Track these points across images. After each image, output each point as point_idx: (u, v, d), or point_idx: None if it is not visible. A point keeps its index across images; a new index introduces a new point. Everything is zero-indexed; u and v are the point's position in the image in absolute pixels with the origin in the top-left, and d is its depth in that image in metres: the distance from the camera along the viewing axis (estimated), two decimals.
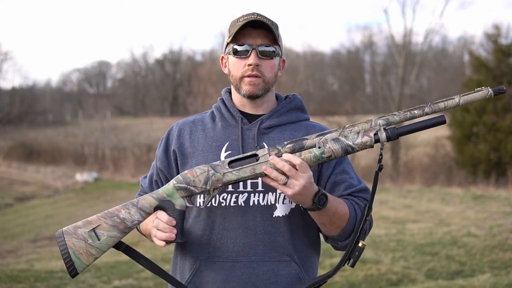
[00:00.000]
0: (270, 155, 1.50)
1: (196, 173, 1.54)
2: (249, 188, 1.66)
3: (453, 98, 1.49)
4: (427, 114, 1.51)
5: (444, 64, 35.87)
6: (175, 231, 1.54)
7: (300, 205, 1.57)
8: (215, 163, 1.56)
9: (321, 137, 1.51)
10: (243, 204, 1.65)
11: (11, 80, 62.79)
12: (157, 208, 1.58)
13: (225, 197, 1.66)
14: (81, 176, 23.47)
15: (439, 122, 1.51)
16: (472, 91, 1.49)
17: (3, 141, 32.33)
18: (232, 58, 1.70)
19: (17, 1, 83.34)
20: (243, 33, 1.67)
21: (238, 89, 1.71)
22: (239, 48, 1.67)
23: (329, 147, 1.49)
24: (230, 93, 1.82)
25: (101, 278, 5.88)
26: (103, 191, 19.81)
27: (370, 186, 1.76)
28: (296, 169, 1.46)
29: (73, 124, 39.38)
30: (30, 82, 49.81)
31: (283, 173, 1.47)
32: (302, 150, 1.50)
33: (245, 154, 1.54)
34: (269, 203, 1.65)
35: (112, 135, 30.87)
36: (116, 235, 1.57)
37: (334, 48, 51.19)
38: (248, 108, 1.75)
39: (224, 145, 1.71)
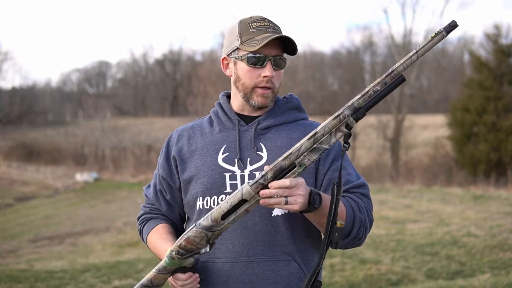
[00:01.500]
0: (256, 194, 1.49)
1: (195, 241, 1.54)
2: None
3: (410, 57, 1.45)
4: (386, 83, 1.47)
5: (444, 64, 35.88)
6: (197, 279, 1.61)
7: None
8: (207, 223, 1.52)
9: (297, 152, 1.49)
10: None
11: (11, 80, 62.91)
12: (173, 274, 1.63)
13: (223, 199, 1.66)
14: (81, 176, 23.48)
15: (399, 82, 1.47)
16: (426, 41, 1.45)
17: (3, 141, 32.33)
18: (243, 65, 1.67)
19: (17, 1, 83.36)
20: (258, 41, 1.65)
21: (247, 98, 1.70)
22: (254, 58, 1.65)
23: (308, 160, 1.49)
24: (228, 97, 1.82)
25: (101, 278, 5.88)
26: (103, 191, 19.82)
27: (369, 186, 1.75)
28: (289, 188, 1.46)
29: (73, 124, 39.39)
30: (30, 82, 49.85)
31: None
32: (284, 172, 1.49)
33: (233, 203, 1.51)
34: None
35: (112, 135, 30.87)
36: None
37: (334, 48, 51.22)
38: (247, 111, 1.75)
39: (222, 147, 1.71)
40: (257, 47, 1.62)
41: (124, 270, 6.25)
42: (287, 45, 1.68)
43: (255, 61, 1.65)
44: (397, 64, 1.46)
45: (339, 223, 1.50)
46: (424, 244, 6.97)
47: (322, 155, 1.52)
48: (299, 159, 1.49)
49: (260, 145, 1.69)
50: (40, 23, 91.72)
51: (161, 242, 1.71)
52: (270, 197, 1.46)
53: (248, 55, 1.65)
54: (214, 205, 1.67)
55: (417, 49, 1.45)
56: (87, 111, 38.96)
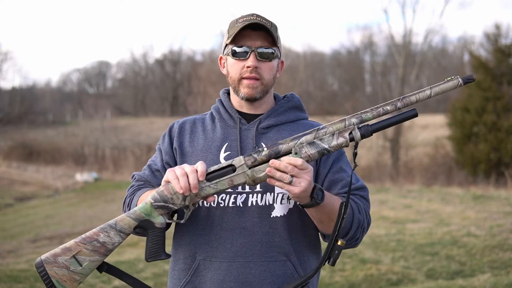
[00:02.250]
0: (246, 165, 1.50)
1: (173, 190, 1.52)
2: (247, 189, 1.66)
3: (424, 91, 1.50)
4: (399, 108, 1.51)
5: (444, 64, 35.89)
6: (196, 189, 1.49)
7: (298, 203, 1.56)
8: None
9: (296, 140, 1.51)
10: (241, 205, 1.65)
11: (11, 80, 62.98)
12: (136, 228, 1.56)
13: (223, 198, 1.66)
14: (81, 176, 23.48)
15: (411, 115, 1.51)
16: (442, 82, 1.51)
17: (3, 141, 32.33)
18: (230, 60, 1.69)
19: (17, 1, 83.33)
20: (242, 35, 1.66)
21: (236, 91, 1.71)
22: (238, 49, 1.66)
23: (305, 151, 1.50)
24: (229, 93, 1.82)
25: (101, 278, 5.87)
26: (103, 191, 19.81)
27: (369, 186, 1.75)
28: (299, 169, 1.46)
29: (73, 124, 39.39)
30: (30, 82, 49.98)
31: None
32: (278, 156, 1.50)
33: (221, 165, 1.53)
34: (267, 203, 1.66)
35: (112, 135, 30.88)
36: (98, 259, 1.54)
37: (334, 48, 51.25)
38: (246, 109, 1.75)
39: (224, 145, 1.71)
40: (233, 35, 1.64)
41: (124, 270, 6.24)
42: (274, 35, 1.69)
43: (238, 54, 1.66)
44: (412, 93, 1.51)
45: (340, 241, 1.51)
46: (424, 244, 6.97)
47: (321, 156, 1.52)
48: (296, 146, 1.50)
49: (261, 145, 1.70)
50: (40, 23, 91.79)
51: (151, 191, 1.65)
52: (278, 170, 1.45)
53: (232, 49, 1.67)
54: (213, 203, 1.67)
55: (432, 86, 1.50)
56: (87, 111, 39.02)
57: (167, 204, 1.53)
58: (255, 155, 1.51)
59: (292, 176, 1.45)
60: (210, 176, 1.52)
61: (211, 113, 1.82)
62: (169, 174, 1.51)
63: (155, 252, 1.56)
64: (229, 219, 1.65)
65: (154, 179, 1.77)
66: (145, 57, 49.11)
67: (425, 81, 35.74)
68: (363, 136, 1.50)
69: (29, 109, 41.61)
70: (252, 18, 1.67)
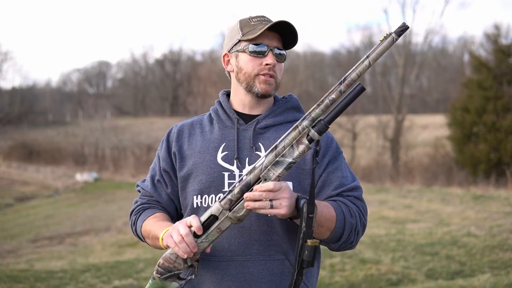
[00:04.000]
0: (225, 210, 1.51)
1: (172, 259, 1.56)
2: None
3: (362, 62, 1.44)
4: (344, 92, 1.47)
5: (444, 64, 35.88)
6: (195, 249, 1.53)
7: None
8: None
9: (260, 166, 1.50)
10: None
11: (11, 80, 63.00)
12: None
13: (221, 198, 1.65)
14: (81, 176, 23.48)
15: (358, 91, 1.45)
16: (376, 45, 1.44)
17: (3, 141, 32.35)
18: (245, 56, 1.70)
19: (17, 1, 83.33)
20: (260, 34, 1.67)
21: (250, 87, 1.71)
22: (256, 48, 1.67)
23: (273, 174, 1.49)
24: (228, 95, 1.83)
25: (101, 278, 5.87)
26: (103, 191, 19.82)
27: (369, 186, 1.75)
28: (274, 191, 1.47)
29: (73, 124, 39.40)
30: (30, 82, 49.99)
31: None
32: (250, 187, 1.50)
33: (203, 219, 1.54)
34: None
35: (112, 135, 30.89)
36: None
37: (334, 48, 51.27)
38: (248, 109, 1.76)
39: (221, 146, 1.72)
40: (258, 33, 1.65)
41: (124, 270, 6.25)
42: (286, 40, 1.71)
43: (257, 51, 1.67)
44: (350, 71, 1.46)
45: (310, 241, 1.49)
46: (424, 244, 6.97)
47: (288, 169, 1.50)
48: (263, 173, 1.49)
49: (259, 145, 1.70)
50: (40, 23, 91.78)
51: (158, 224, 1.68)
52: (254, 200, 1.47)
53: (250, 45, 1.68)
54: (211, 203, 1.67)
55: (368, 54, 1.44)
56: (87, 111, 38.98)
57: (173, 273, 1.58)
58: (229, 196, 1.51)
59: (270, 200, 1.46)
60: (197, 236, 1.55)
61: (209, 115, 1.82)
62: (169, 241, 1.55)
63: None
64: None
65: (156, 192, 1.80)
66: (145, 57, 49.18)
67: (425, 81, 35.75)
68: (320, 132, 1.47)
69: (29, 109, 41.63)
70: (266, 19, 1.71)
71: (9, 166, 28.60)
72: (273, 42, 1.68)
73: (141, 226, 1.74)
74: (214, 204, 1.53)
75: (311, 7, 71.76)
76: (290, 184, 1.54)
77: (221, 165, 1.69)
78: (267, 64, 1.67)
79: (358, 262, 6.08)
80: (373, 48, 1.44)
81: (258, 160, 1.52)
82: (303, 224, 1.48)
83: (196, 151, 1.74)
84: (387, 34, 1.43)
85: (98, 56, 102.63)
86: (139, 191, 1.87)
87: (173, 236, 1.53)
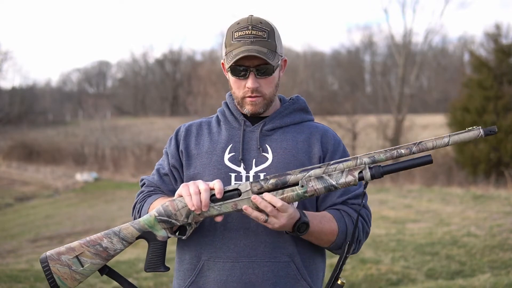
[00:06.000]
0: (252, 191, 1.52)
1: (177, 206, 1.55)
2: None
3: (442, 138, 1.47)
4: (413, 153, 1.48)
5: (444, 64, 35.88)
6: (206, 207, 1.52)
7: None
8: None
9: (305, 173, 1.51)
10: None
11: (11, 80, 62.99)
12: (138, 238, 1.60)
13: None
14: (81, 176, 23.48)
15: (425, 162, 1.48)
16: (463, 131, 1.47)
17: (3, 141, 32.34)
18: (230, 76, 1.70)
19: (17, 1, 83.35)
20: (233, 57, 1.64)
21: (240, 106, 1.73)
22: (236, 69, 1.66)
23: (312, 186, 1.50)
24: None
25: (101, 278, 5.87)
26: (103, 191, 19.82)
27: (369, 186, 1.75)
28: (277, 210, 1.49)
29: (73, 124, 39.39)
30: (30, 82, 49.97)
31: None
32: (285, 187, 1.51)
33: (228, 188, 1.55)
34: None
35: (112, 135, 30.88)
36: (99, 263, 1.59)
37: (334, 48, 51.31)
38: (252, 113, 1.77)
39: (228, 147, 1.72)
40: (230, 63, 1.63)
41: (124, 270, 6.25)
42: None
43: (238, 74, 1.66)
44: (429, 139, 1.48)
45: (340, 281, 1.54)
46: (424, 244, 6.97)
47: (327, 191, 1.52)
48: (303, 179, 1.50)
49: (266, 147, 1.70)
50: (40, 23, 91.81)
51: (162, 199, 1.69)
52: (257, 208, 1.49)
53: (231, 67, 1.66)
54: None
55: (451, 134, 1.47)
56: (87, 111, 38.99)
57: (170, 219, 1.56)
58: (262, 182, 1.52)
59: (268, 216, 1.49)
60: (214, 198, 1.54)
61: (217, 116, 1.83)
62: (182, 190, 1.54)
63: (154, 264, 1.60)
64: (233, 219, 1.65)
65: (163, 184, 1.79)
66: (145, 57, 49.17)
67: (425, 81, 35.75)
68: (373, 177, 1.48)
69: (29, 109, 41.64)
70: (247, 34, 1.63)
71: (9, 166, 28.60)
72: (254, 61, 1.63)
73: (148, 208, 1.72)
74: (245, 182, 1.55)
75: (311, 7, 71.80)
76: (296, 212, 1.53)
77: (228, 166, 1.69)
78: (248, 88, 1.66)
79: (358, 262, 6.08)
80: (459, 132, 1.47)
81: (305, 167, 1.54)
82: (340, 264, 1.55)
83: (204, 152, 1.74)
84: (476, 127, 1.46)
85: (98, 56, 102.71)
86: (143, 184, 1.84)
87: (190, 186, 1.54)
